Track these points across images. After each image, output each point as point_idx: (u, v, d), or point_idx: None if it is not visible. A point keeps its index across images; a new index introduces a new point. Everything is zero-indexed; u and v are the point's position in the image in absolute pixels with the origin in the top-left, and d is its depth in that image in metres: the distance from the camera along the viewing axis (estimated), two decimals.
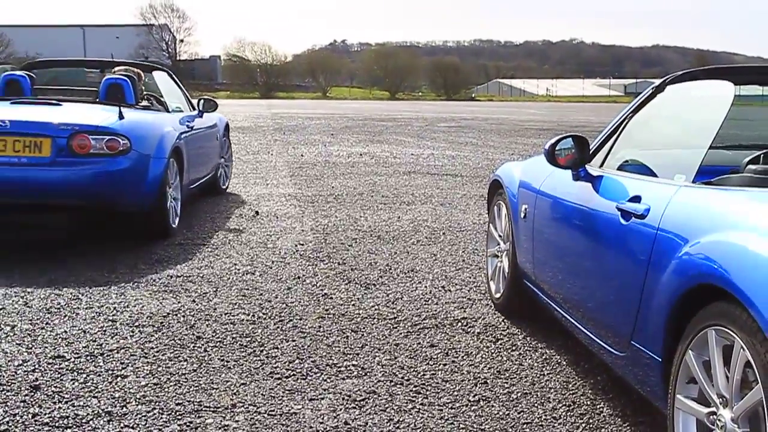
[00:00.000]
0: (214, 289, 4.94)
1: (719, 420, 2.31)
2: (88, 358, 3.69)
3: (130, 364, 3.63)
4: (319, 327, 4.27)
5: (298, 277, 5.30)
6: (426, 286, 5.16)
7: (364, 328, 4.28)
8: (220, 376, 3.53)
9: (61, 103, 6.50)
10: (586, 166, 3.61)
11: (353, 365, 3.71)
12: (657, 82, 3.55)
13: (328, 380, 3.51)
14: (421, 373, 3.63)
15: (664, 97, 3.45)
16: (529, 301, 4.32)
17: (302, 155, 13.74)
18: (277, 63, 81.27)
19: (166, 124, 6.82)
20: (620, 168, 3.47)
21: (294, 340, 4.04)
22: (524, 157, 9.44)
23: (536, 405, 3.33)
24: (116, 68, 7.86)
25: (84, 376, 3.47)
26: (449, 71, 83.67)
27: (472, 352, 3.95)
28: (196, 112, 8.21)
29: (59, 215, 6.42)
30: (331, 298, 4.85)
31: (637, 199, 2.97)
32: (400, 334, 4.20)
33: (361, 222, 7.35)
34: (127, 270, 5.38)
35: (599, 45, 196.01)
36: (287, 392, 3.37)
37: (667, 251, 2.63)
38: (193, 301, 4.68)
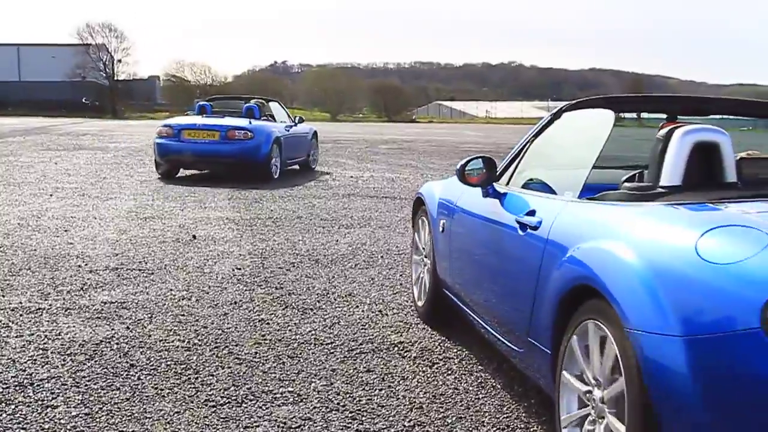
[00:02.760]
0: (149, 316, 4.89)
1: (593, 399, 2.71)
2: (17, 388, 3.62)
3: (60, 394, 3.57)
4: (256, 353, 4.25)
5: (235, 303, 5.27)
6: (363, 311, 5.18)
7: (300, 353, 4.28)
8: (153, 404, 3.49)
9: (224, 116, 14.08)
10: (494, 184, 4.02)
11: (289, 392, 3.70)
12: (555, 110, 4.04)
13: (264, 407, 3.50)
14: (357, 399, 3.63)
15: (560, 124, 3.92)
16: (448, 307, 4.69)
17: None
18: (216, 83, 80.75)
19: (273, 127, 13.90)
20: (524, 186, 3.86)
21: (230, 367, 4.02)
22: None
23: (471, 429, 3.36)
24: (252, 100, 14.92)
25: (12, 407, 3.40)
26: (390, 93, 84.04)
27: (408, 377, 3.97)
28: (293, 123, 15.26)
29: (222, 166, 13.39)
30: (268, 323, 4.83)
31: (532, 213, 3.39)
32: (337, 359, 4.21)
33: (300, 246, 7.34)
34: (60, 297, 5.29)
35: (537, 68, 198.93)
36: (222, 420, 3.35)
37: (553, 258, 3.03)
38: (127, 327, 4.62)
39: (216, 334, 4.56)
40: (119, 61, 75.87)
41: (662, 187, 3.07)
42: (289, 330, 4.70)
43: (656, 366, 2.30)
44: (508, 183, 3.99)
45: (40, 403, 3.46)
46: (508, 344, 3.61)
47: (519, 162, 4.04)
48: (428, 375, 4.01)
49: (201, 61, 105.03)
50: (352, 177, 14.47)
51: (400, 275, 6.23)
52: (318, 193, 11.68)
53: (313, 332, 4.67)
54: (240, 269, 6.27)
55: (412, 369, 4.10)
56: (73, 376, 3.81)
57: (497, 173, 4.06)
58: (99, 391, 3.63)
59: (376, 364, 4.15)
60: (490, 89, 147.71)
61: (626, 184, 3.30)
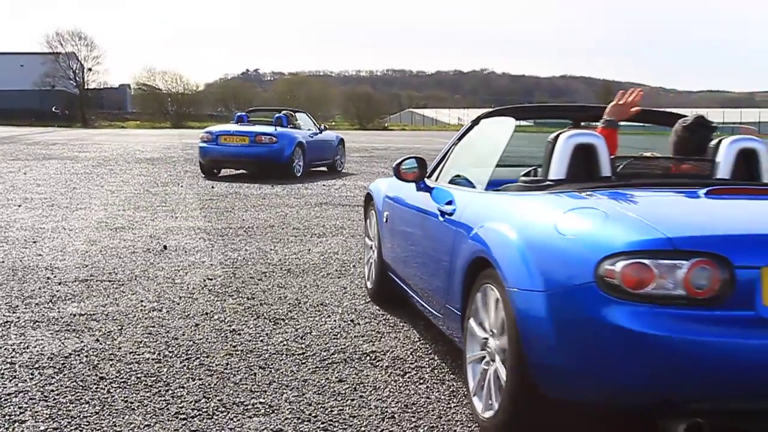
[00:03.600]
0: (119, 328, 4.85)
1: (488, 346, 3.44)
2: None
3: (28, 409, 3.53)
4: (227, 364, 4.23)
5: (206, 313, 5.24)
6: (335, 320, 5.17)
7: (272, 364, 4.26)
8: (123, 418, 3.46)
9: (255, 124, 16.83)
10: (425, 180, 4.80)
11: (260, 403, 3.68)
12: (475, 117, 4.89)
13: (235, 419, 3.48)
14: (329, 409, 3.63)
15: (478, 129, 4.79)
16: (391, 287, 5.40)
17: (213, 187, 13.62)
18: (188, 92, 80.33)
19: (296, 134, 16.25)
20: (451, 181, 4.61)
21: (201, 379, 3.99)
22: None
23: None
24: (282, 111, 17.04)
25: None
26: (362, 100, 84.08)
27: (380, 387, 3.97)
28: (318, 131, 17.53)
29: (252, 165, 15.82)
30: (240, 334, 4.81)
31: (450, 202, 4.17)
32: (309, 369, 4.20)
33: (272, 255, 7.32)
34: (28, 309, 5.23)
35: (509, 75, 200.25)
36: None
37: (462, 237, 3.81)
38: (97, 340, 4.59)
39: (187, 346, 4.53)
40: (89, 69, 75.33)
41: (550, 180, 3.72)
42: (261, 340, 4.68)
43: (525, 314, 3.06)
44: (437, 179, 4.80)
45: (7, 418, 3.42)
46: (433, 311, 4.39)
47: (446, 161, 4.89)
48: (400, 384, 4.01)
49: (172, 69, 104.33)
50: (324, 185, 14.46)
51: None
52: (290, 201, 11.66)
53: (285, 342, 4.65)
54: (211, 279, 6.25)
55: (383, 378, 4.10)
56: (42, 390, 3.77)
57: (428, 171, 4.86)
58: (68, 404, 3.60)
59: (348, 374, 4.14)
60: (462, 96, 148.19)
61: (523, 178, 4.10)
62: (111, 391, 3.78)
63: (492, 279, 3.35)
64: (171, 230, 8.63)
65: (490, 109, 4.88)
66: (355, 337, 4.81)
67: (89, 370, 4.07)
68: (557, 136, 3.80)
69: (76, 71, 73.58)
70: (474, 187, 4.26)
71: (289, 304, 5.56)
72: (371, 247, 5.90)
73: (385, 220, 5.43)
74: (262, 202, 11.54)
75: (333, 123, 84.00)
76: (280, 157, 15.49)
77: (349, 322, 5.14)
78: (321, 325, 5.04)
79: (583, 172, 3.72)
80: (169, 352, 4.41)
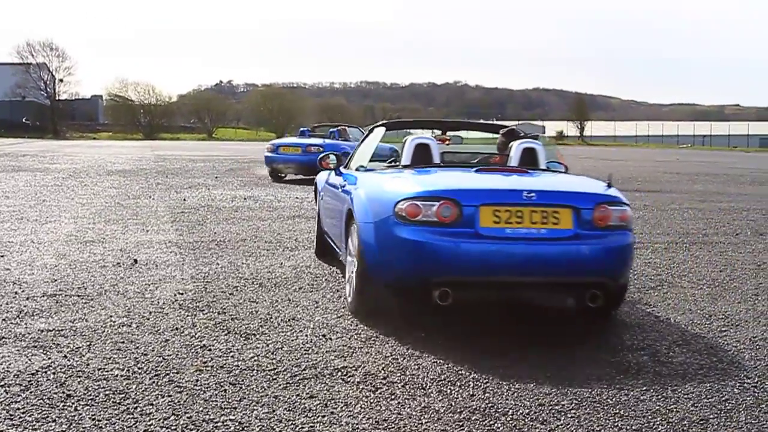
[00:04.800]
0: (88, 344, 4.79)
1: (352, 256, 5.76)
2: None
3: None
4: (197, 381, 4.20)
5: (177, 329, 5.20)
6: (307, 335, 5.15)
7: (242, 380, 4.23)
8: None
9: (311, 137, 20.34)
10: (341, 168, 7.35)
11: (230, 420, 3.65)
12: (373, 125, 7.79)
13: None
14: (300, 426, 3.60)
15: (371, 134, 7.43)
16: (325, 245, 7.60)
17: (185, 199, 13.54)
18: (161, 103, 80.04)
19: (344, 145, 17.49)
20: (357, 169, 6.77)
21: (170, 396, 3.95)
22: None
23: None
24: (338, 126, 20.67)
25: None
26: (336, 112, 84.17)
27: (351, 403, 3.95)
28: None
29: (305, 171, 18.14)
30: (210, 349, 4.77)
31: (347, 179, 6.58)
32: (280, 385, 4.17)
33: (243, 269, 7.28)
34: None
35: (483, 87, 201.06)
36: None
37: (345, 199, 6.18)
38: (65, 356, 4.53)
39: (156, 362, 4.49)
40: (61, 80, 74.83)
41: (403, 165, 6.16)
42: (231, 356, 4.65)
43: (364, 235, 5.42)
44: (346, 167, 7.26)
45: None
46: (338, 249, 6.69)
47: (355, 155, 7.39)
48: (371, 400, 4.00)
49: (145, 80, 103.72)
50: (297, 198, 14.43)
51: (344, 298, 6.21)
52: (263, 215, 11.61)
53: (256, 358, 4.62)
54: (182, 294, 6.20)
55: (355, 394, 4.08)
56: (7, 408, 3.71)
57: (345, 162, 7.46)
58: (34, 423, 3.55)
59: (319, 390, 4.12)
60: (436, 108, 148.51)
61: (385, 164, 6.98)
62: (78, 408, 3.74)
63: (353, 220, 5.76)
64: (142, 244, 8.57)
65: (380, 122, 7.72)
66: (326, 352, 4.79)
67: (56, 387, 4.02)
68: (406, 140, 6.33)
69: (47, 82, 73.08)
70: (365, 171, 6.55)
71: (261, 318, 5.53)
72: (316, 219, 8.19)
73: (321, 198, 7.78)
74: (235, 215, 11.48)
75: None
76: (311, 166, 17.02)
77: (320, 337, 5.12)
78: (292, 341, 5.01)
79: (421, 159, 6.19)
80: (139, 368, 4.37)
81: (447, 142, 7.37)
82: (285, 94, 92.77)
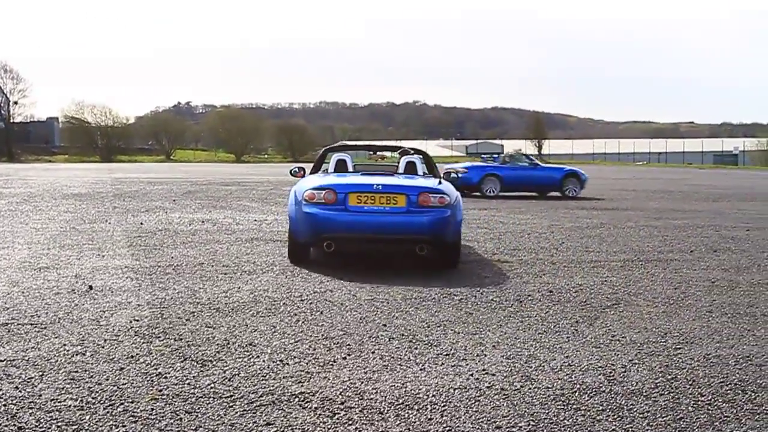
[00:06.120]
0: (40, 374, 4.71)
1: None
2: None
3: None
4: (152, 410, 4.14)
5: (132, 356, 5.13)
6: (264, 361, 5.11)
7: (198, 408, 4.18)
8: None
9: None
10: (305, 176, 10.41)
11: None
12: (326, 147, 11.97)
13: None
14: None
15: (325, 154, 11.22)
16: (297, 247, 9.47)
17: (142, 223, 13.41)
18: (118, 125, 79.31)
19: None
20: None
21: (124, 426, 3.90)
22: None
23: None
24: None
25: None
26: (295, 133, 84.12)
27: (308, 429, 3.92)
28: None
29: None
30: (166, 377, 4.71)
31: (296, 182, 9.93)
32: (236, 413, 4.13)
33: (200, 294, 7.22)
34: None
35: (441, 107, 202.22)
36: None
37: (294, 194, 9.39)
38: (16, 387, 4.44)
39: (111, 391, 4.42)
40: (15, 102, 73.92)
41: (331, 172, 10.05)
42: (188, 384, 4.60)
43: (290, 214, 9.31)
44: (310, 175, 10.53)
45: None
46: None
47: (317, 168, 10.77)
48: (329, 426, 3.98)
49: (101, 102, 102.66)
50: (255, 221, 14.36)
51: (303, 322, 6.18)
52: (221, 238, 11.54)
53: (212, 385, 4.58)
54: (138, 321, 6.12)
55: (312, 420, 4.05)
56: None
57: (309, 172, 10.60)
58: None
59: (276, 416, 4.09)
60: (395, 128, 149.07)
61: (321, 171, 10.66)
62: None
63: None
64: (97, 269, 8.46)
65: (329, 146, 11.67)
66: (284, 377, 4.76)
67: (7, 420, 3.94)
68: (332, 155, 10.50)
69: (2, 104, 72.12)
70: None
71: (218, 344, 5.48)
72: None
73: (292, 201, 9.59)
74: (192, 238, 11.39)
75: (266, 156, 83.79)
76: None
77: (278, 362, 5.09)
78: (249, 366, 4.97)
79: (340, 169, 10.20)
80: (92, 398, 4.30)
81: (383, 159, 11.47)
82: (244, 115, 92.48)
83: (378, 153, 13.14)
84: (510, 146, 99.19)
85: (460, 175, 23.46)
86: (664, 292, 7.88)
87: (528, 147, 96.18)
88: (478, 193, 23.80)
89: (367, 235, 8.66)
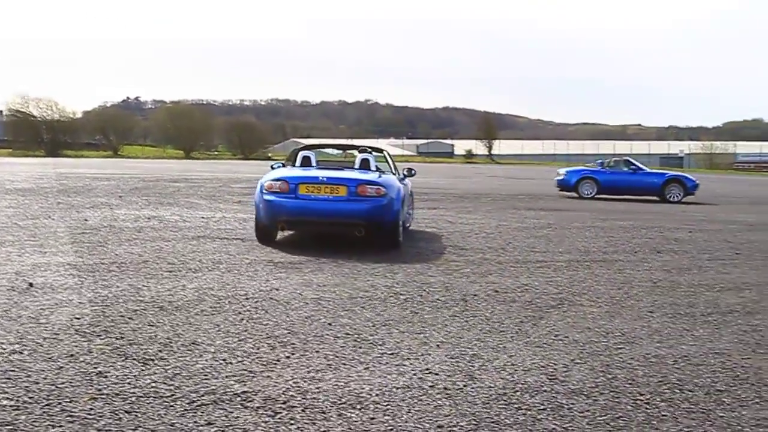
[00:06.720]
0: None
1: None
2: None
3: None
4: (91, 409, 4.08)
5: (72, 355, 5.05)
6: (207, 360, 5.06)
7: (138, 408, 4.13)
8: None
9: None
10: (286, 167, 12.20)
11: None
12: (299, 147, 13.41)
13: None
14: None
15: (296, 154, 12.36)
16: (263, 231, 11.04)
17: (86, 219, 13.19)
18: (64, 119, 77.92)
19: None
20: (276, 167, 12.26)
21: (61, 426, 3.83)
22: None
23: None
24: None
25: None
26: (246, 130, 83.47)
27: (249, 429, 3.90)
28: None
29: None
30: (106, 376, 4.64)
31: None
32: (177, 412, 4.09)
33: (144, 292, 7.13)
34: None
35: (393, 106, 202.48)
36: None
37: (260, 183, 10.90)
38: None
39: (48, 390, 4.34)
40: None
41: (297, 166, 11.83)
42: (128, 383, 4.54)
43: (257, 202, 10.83)
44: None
45: None
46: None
47: (287, 163, 12.27)
48: (270, 425, 3.95)
49: (47, 96, 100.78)
50: (203, 218, 14.22)
51: (248, 320, 6.14)
52: (167, 235, 11.40)
53: (153, 384, 4.52)
54: (79, 319, 6.02)
55: (254, 420, 4.03)
56: None
57: (290, 164, 12.12)
58: None
59: (217, 416, 4.06)
60: (347, 126, 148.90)
61: (294, 167, 11.95)
62: None
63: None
64: (39, 266, 8.30)
65: (300, 146, 12.93)
66: (226, 377, 4.72)
67: None
68: (297, 153, 12.24)
69: None
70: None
71: (160, 343, 5.42)
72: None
73: (257, 190, 10.93)
74: (138, 235, 11.24)
75: (216, 153, 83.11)
76: None
77: (221, 361, 5.04)
78: (192, 366, 4.92)
79: (305, 163, 11.87)
80: (29, 398, 4.22)
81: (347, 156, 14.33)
82: (193, 111, 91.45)
83: (348, 151, 15.49)
84: (461, 146, 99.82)
85: (560, 177, 26.80)
86: (607, 292, 7.99)
87: (479, 147, 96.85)
88: (575, 195, 26.22)
89: (313, 218, 10.33)
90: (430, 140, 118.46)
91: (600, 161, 27.75)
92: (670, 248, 11.97)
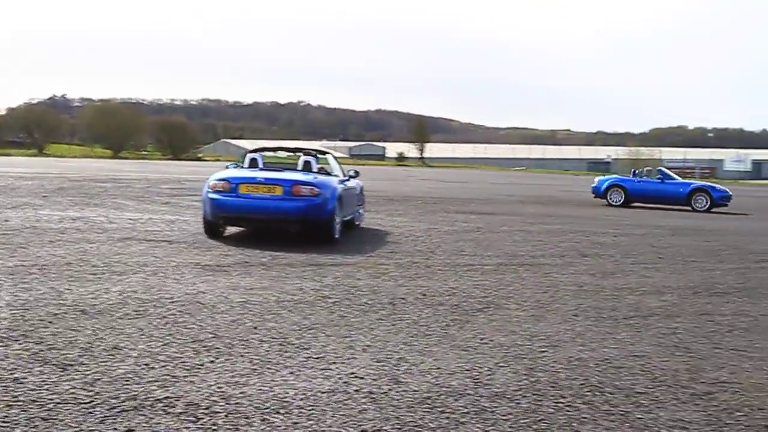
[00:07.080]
0: None
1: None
2: None
3: None
4: (5, 417, 3.97)
5: None
6: (129, 365, 4.97)
7: (56, 415, 4.04)
8: None
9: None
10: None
11: None
12: (253, 149, 13.97)
13: None
14: None
15: (247, 157, 13.08)
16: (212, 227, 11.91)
17: (7, 220, 12.83)
18: None
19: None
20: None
21: None
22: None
23: None
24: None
25: None
26: (176, 130, 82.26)
27: None
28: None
29: None
30: (23, 382, 4.53)
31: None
32: (96, 419, 4.01)
33: (66, 295, 6.96)
34: None
35: (325, 108, 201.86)
36: None
37: (207, 183, 11.79)
38: None
39: None
40: None
41: (245, 167, 12.63)
42: (46, 389, 4.43)
43: (203, 200, 11.77)
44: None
45: None
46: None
47: (239, 165, 13.08)
48: (192, 431, 3.90)
49: None
50: (130, 219, 13.97)
51: (172, 324, 6.05)
52: (91, 237, 11.17)
53: (72, 390, 4.42)
54: None
55: (175, 426, 3.97)
56: None
57: (242, 166, 12.94)
58: None
59: (138, 422, 3.99)
60: (279, 128, 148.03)
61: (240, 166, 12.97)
62: None
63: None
64: None
65: (255, 149, 13.60)
66: (148, 382, 4.65)
67: None
68: (246, 155, 13.01)
69: None
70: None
71: (81, 348, 5.30)
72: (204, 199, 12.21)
73: (204, 189, 11.75)
74: (61, 237, 10.99)
75: (145, 153, 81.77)
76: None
77: (143, 366, 4.96)
78: (113, 371, 4.83)
79: (252, 165, 12.62)
80: None
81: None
82: (122, 109, 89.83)
83: (296, 153, 15.67)
84: (393, 149, 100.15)
85: (594, 185, 28.30)
86: (533, 295, 8.10)
87: (411, 150, 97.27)
88: (604, 201, 27.03)
89: (251, 216, 11.34)
90: (362, 143, 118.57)
91: (633, 170, 28.93)
92: (596, 252, 12.20)
